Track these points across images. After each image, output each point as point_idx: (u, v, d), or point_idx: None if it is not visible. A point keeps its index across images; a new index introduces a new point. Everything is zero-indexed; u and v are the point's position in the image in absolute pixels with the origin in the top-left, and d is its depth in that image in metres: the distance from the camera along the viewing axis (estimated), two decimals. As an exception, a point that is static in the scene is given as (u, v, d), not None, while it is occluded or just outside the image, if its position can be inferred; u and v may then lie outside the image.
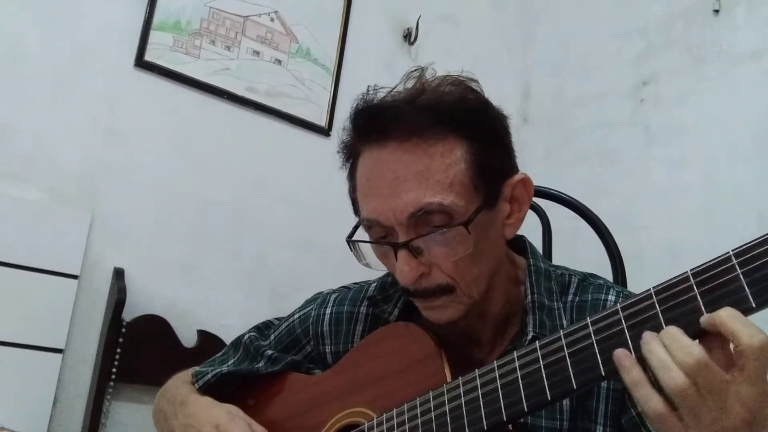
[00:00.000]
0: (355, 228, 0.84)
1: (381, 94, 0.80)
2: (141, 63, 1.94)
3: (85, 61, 1.86)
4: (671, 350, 0.56)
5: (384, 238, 0.79)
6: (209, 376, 1.01)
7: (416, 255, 0.76)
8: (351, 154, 0.84)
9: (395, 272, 0.79)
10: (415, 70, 0.82)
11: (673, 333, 0.57)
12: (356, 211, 0.84)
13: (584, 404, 0.78)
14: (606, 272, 1.21)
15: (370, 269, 0.86)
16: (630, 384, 0.58)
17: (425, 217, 0.75)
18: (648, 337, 0.58)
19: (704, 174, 2.02)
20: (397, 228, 0.76)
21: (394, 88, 0.81)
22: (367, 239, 0.82)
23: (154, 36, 1.96)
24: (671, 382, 0.56)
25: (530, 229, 1.10)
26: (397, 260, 0.77)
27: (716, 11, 2.09)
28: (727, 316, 0.54)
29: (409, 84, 0.80)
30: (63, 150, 1.80)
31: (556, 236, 1.43)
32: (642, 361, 0.58)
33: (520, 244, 0.91)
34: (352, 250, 0.84)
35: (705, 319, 0.56)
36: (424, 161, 0.75)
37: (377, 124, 0.78)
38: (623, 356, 0.59)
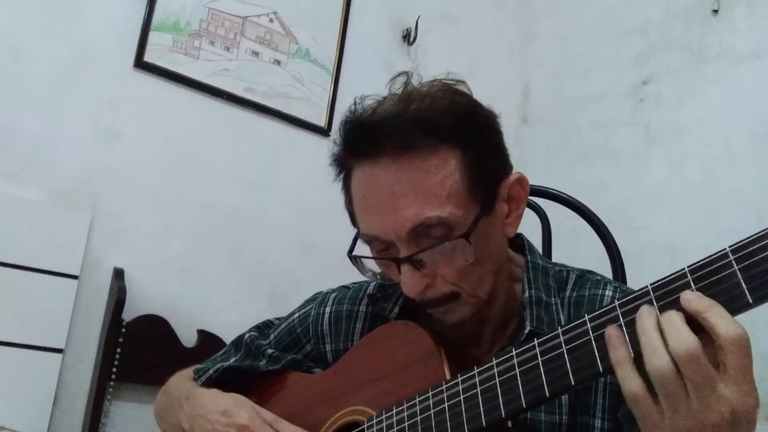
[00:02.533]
0: (355, 240, 0.84)
1: (368, 103, 0.79)
2: (140, 63, 1.94)
3: (85, 61, 1.86)
4: (666, 334, 0.56)
5: (386, 250, 0.79)
6: (211, 371, 1.01)
7: (419, 268, 0.77)
8: (343, 167, 0.83)
9: (400, 283, 0.79)
10: (400, 75, 0.81)
11: (674, 319, 0.56)
12: (354, 223, 0.84)
13: (583, 398, 0.78)
14: (606, 272, 1.21)
15: (370, 270, 0.86)
16: (614, 361, 0.59)
17: (425, 230, 0.75)
18: (646, 312, 0.58)
19: (704, 174, 2.02)
20: (397, 243, 0.76)
21: (383, 100, 0.79)
22: (368, 253, 0.82)
23: (153, 37, 1.96)
24: (657, 366, 0.56)
25: (530, 228, 1.10)
26: (400, 274, 0.77)
27: (716, 11, 2.09)
28: (708, 305, 0.55)
29: (395, 89, 0.79)
30: (63, 150, 1.80)
31: (556, 236, 1.43)
32: (633, 338, 0.58)
33: (518, 242, 0.91)
34: (354, 264, 0.84)
35: (684, 302, 0.56)
36: (419, 176, 0.74)
37: (368, 140, 0.77)
38: (613, 334, 0.59)
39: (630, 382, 0.57)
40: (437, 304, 0.79)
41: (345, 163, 0.82)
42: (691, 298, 0.56)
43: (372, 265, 0.83)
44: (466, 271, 0.77)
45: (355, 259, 0.83)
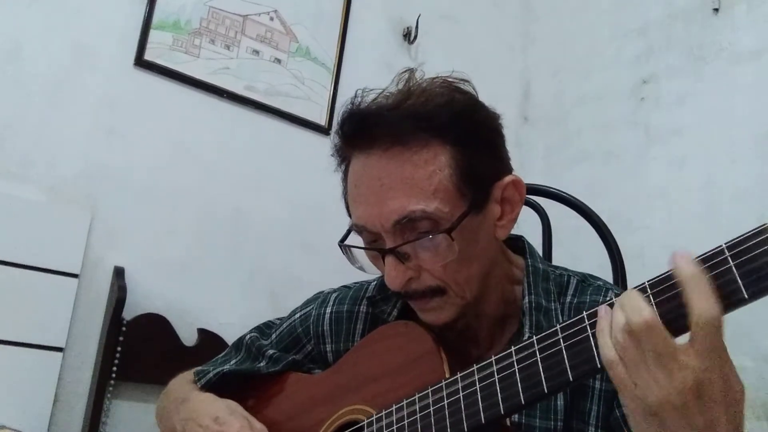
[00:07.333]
0: (349, 231, 0.84)
1: (370, 98, 0.80)
2: (141, 62, 1.94)
3: (85, 61, 1.86)
4: (625, 309, 0.59)
5: (375, 242, 0.80)
6: (211, 374, 1.01)
7: (403, 260, 0.77)
8: (343, 158, 0.84)
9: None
10: (405, 71, 0.81)
11: (632, 295, 0.59)
12: (350, 214, 0.84)
13: (578, 405, 0.78)
14: (606, 272, 1.21)
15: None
16: (597, 331, 0.61)
17: (410, 223, 0.75)
18: (616, 301, 0.62)
19: (704, 174, 2.02)
20: (383, 234, 0.77)
21: (383, 91, 0.80)
22: (360, 243, 0.82)
23: (153, 35, 1.96)
24: (617, 338, 0.58)
25: (530, 228, 1.10)
26: (384, 265, 0.78)
27: (716, 10, 2.09)
28: (689, 277, 0.56)
29: (399, 86, 0.80)
30: (63, 150, 1.80)
31: (557, 235, 1.43)
32: None
33: (518, 244, 0.91)
34: (344, 254, 0.85)
35: (673, 263, 0.57)
36: (408, 169, 0.75)
37: (362, 131, 0.78)
38: (602, 309, 0.62)
39: (605, 349, 0.59)
40: (422, 296, 0.79)
41: (344, 153, 0.83)
42: (681, 264, 0.57)
43: (362, 256, 0.84)
44: (452, 268, 0.77)
45: (345, 249, 0.84)
